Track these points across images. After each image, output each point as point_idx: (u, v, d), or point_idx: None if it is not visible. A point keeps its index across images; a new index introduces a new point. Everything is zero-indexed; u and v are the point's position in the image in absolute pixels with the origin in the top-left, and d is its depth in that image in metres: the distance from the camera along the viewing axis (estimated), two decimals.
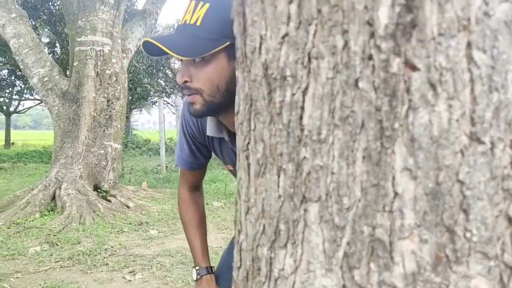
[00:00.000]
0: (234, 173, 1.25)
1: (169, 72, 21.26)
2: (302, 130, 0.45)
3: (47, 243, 3.87)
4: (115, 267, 3.26)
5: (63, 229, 4.27)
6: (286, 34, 0.45)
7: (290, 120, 0.46)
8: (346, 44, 0.41)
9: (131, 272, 3.18)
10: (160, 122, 8.40)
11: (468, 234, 0.39)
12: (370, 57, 0.40)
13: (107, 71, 5.63)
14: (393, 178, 0.40)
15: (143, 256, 3.53)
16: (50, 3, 11.82)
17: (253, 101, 0.50)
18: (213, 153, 1.27)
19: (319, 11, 0.42)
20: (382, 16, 0.39)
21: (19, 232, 4.19)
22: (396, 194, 0.40)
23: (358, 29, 0.40)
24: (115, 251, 3.66)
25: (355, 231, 0.42)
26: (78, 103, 5.50)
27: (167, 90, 22.16)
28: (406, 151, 0.39)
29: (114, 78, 5.70)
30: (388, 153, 0.40)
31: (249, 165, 0.52)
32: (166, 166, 8.53)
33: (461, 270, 0.39)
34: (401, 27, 0.39)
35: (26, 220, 4.56)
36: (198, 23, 0.91)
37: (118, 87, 5.74)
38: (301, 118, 0.45)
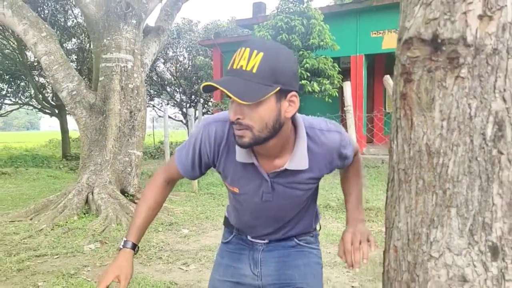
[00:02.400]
0: (237, 195, 1.35)
1: (155, 76, 21.64)
2: None
3: (96, 241, 4.41)
4: (169, 260, 3.85)
5: (104, 229, 4.81)
6: None
7: None
8: None
9: (184, 264, 3.77)
10: (166, 127, 8.93)
11: None
12: None
13: (129, 85, 6.17)
14: None
15: (187, 251, 4.13)
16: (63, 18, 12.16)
17: None
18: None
19: None
20: None
21: (65, 232, 4.71)
22: None
23: None
24: (162, 247, 4.24)
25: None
26: (104, 115, 6.01)
27: (151, 93, 22.52)
28: None
29: (136, 92, 6.24)
30: None
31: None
32: None
33: None
34: None
35: (67, 222, 5.07)
36: (254, 70, 1.06)
37: (139, 100, 6.29)
38: None
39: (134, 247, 1.35)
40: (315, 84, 9.11)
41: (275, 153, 1.25)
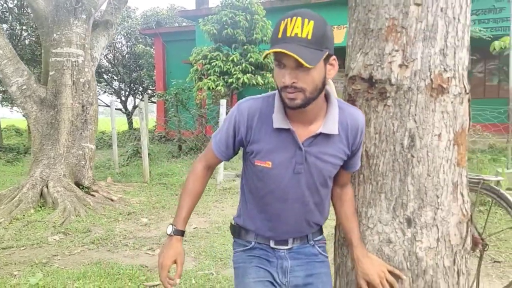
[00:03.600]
0: (267, 172, 1.38)
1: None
2: None
3: (59, 233, 4.61)
4: (135, 246, 4.18)
5: (64, 221, 4.99)
6: None
7: None
8: None
9: (150, 249, 4.12)
10: (113, 120, 9.01)
11: None
12: None
13: (81, 80, 6.26)
14: None
15: (150, 238, 4.47)
16: None
17: None
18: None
19: None
20: None
21: (25, 225, 4.84)
22: None
23: None
24: (125, 235, 4.54)
25: None
26: (56, 109, 6.08)
27: None
28: None
29: (87, 86, 6.35)
30: None
31: None
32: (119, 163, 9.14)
33: None
34: None
35: (24, 215, 5.17)
36: (309, 37, 1.17)
37: (91, 94, 6.40)
38: None
39: (183, 234, 1.46)
40: (259, 78, 9.60)
41: (310, 118, 1.34)
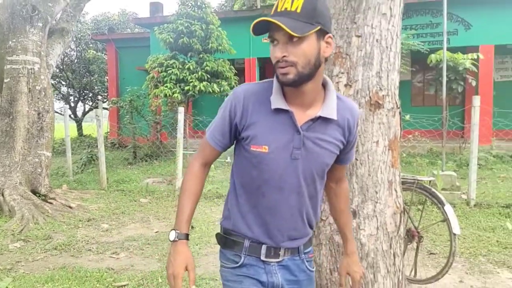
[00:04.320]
0: (263, 157, 1.33)
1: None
2: None
3: (19, 240, 4.62)
4: (98, 251, 4.29)
5: (23, 229, 4.98)
6: None
7: None
8: None
9: (114, 253, 4.25)
10: (66, 128, 8.92)
11: None
12: None
13: (37, 87, 6.24)
14: None
15: (113, 243, 4.59)
16: None
17: None
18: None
19: None
20: None
21: None
22: None
23: None
24: (88, 241, 4.63)
25: None
26: (11, 117, 6.02)
27: None
28: None
29: (43, 93, 6.34)
30: None
31: None
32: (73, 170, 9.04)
33: None
34: None
35: None
36: (298, 10, 1.20)
37: (47, 101, 6.39)
38: None
39: (188, 237, 1.39)
40: (215, 85, 9.86)
41: (308, 102, 1.34)
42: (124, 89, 12.97)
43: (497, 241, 4.53)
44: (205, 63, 9.89)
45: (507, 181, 7.41)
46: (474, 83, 9.25)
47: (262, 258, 1.40)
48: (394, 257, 1.97)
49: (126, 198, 6.84)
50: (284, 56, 1.22)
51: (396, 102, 1.90)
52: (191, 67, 9.79)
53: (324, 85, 1.38)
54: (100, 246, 4.45)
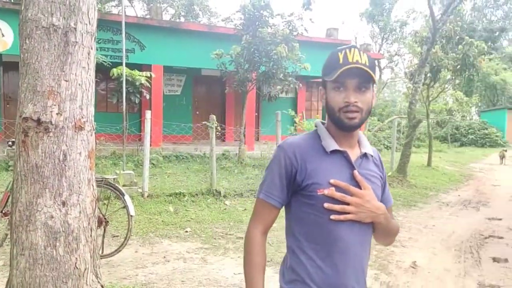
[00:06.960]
0: (327, 200, 1.34)
1: None
2: None
3: None
4: None
5: None
6: None
7: None
8: None
9: None
10: None
11: None
12: None
13: None
14: None
15: None
16: None
17: None
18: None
19: None
20: None
21: None
22: None
23: None
24: None
25: None
26: None
27: None
28: None
29: None
30: None
31: None
32: None
33: None
34: None
35: None
36: (367, 63, 1.35)
37: None
38: None
39: None
40: None
41: (354, 142, 1.44)
42: None
43: (163, 221, 6.10)
44: None
45: (172, 176, 9.39)
46: (148, 96, 11.01)
47: None
48: (91, 231, 2.88)
49: None
50: (355, 102, 1.34)
51: (92, 126, 2.81)
52: None
53: None
54: None
